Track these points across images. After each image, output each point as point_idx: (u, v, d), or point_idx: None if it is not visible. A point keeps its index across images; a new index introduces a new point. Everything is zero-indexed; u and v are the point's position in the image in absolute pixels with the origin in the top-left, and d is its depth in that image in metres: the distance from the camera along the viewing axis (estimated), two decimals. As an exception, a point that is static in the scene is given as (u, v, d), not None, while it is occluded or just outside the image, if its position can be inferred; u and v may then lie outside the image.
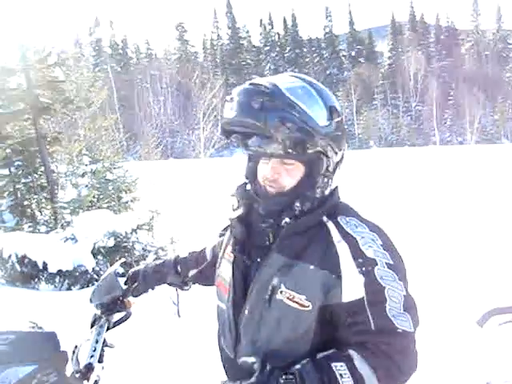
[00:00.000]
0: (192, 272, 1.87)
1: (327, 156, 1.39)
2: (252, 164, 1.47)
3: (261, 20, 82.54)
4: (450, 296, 5.55)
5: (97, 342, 1.67)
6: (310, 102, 1.36)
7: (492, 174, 21.02)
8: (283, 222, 1.37)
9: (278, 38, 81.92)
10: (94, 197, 8.13)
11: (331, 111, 1.39)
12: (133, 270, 1.92)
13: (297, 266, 1.33)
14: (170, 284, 1.93)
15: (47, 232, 7.56)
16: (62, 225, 7.55)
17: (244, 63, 77.34)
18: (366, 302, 1.26)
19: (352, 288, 1.28)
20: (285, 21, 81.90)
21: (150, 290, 1.92)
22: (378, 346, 1.24)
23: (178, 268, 1.88)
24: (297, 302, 1.31)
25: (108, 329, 1.78)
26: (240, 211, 1.45)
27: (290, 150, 1.32)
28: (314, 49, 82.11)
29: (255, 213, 1.43)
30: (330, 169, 1.42)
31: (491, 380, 1.78)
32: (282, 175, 1.38)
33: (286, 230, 1.37)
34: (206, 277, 1.84)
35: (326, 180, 1.42)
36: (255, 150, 1.35)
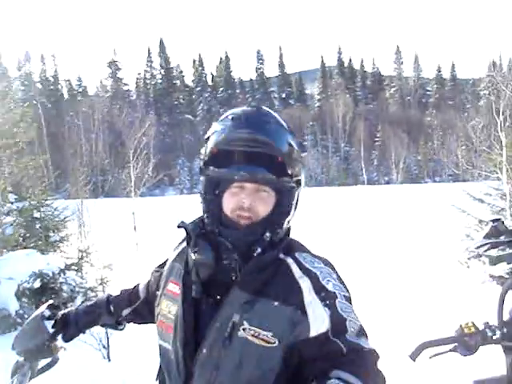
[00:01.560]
0: (125, 311, 1.79)
1: (299, 185, 1.43)
2: (212, 197, 1.42)
3: (194, 60, 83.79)
4: (380, 330, 5.65)
5: (18, 392, 1.57)
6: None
7: (417, 212, 21.92)
8: (256, 253, 1.35)
9: (212, 78, 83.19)
10: (19, 236, 7.78)
11: (302, 145, 1.45)
12: (62, 312, 1.81)
13: (260, 303, 1.31)
14: (103, 325, 1.84)
15: (-34, 274, 7.12)
16: (-18, 266, 7.14)
17: (176, 102, 77.76)
18: (330, 334, 1.26)
19: (318, 322, 1.28)
20: (221, 61, 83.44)
21: (81, 333, 1.82)
22: (355, 363, 1.24)
23: (111, 308, 1.79)
24: (262, 339, 1.28)
25: (32, 377, 1.66)
26: (207, 252, 1.37)
27: (289, 173, 1.36)
28: (246, 90, 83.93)
29: (222, 248, 1.37)
30: (297, 200, 1.45)
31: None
32: (256, 203, 1.36)
33: (248, 266, 1.34)
34: (140, 315, 1.79)
35: (294, 211, 1.45)
36: (247, 174, 1.33)
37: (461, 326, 1.96)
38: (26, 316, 6.46)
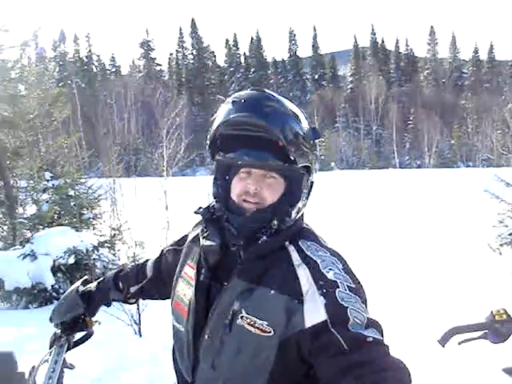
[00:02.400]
0: (133, 289, 1.83)
1: (311, 172, 1.40)
2: (222, 182, 1.41)
3: (226, 40, 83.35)
4: (410, 315, 5.63)
5: (56, 362, 1.60)
6: (303, 116, 1.39)
7: (449, 197, 21.57)
8: (260, 240, 1.33)
9: (245, 59, 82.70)
10: (54, 213, 7.96)
11: (315, 132, 1.40)
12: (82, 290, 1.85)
13: (257, 291, 1.29)
14: (113, 300, 1.88)
15: (5, 248, 7.35)
16: (20, 241, 7.35)
17: (208, 83, 77.67)
18: (329, 324, 1.19)
19: (313, 311, 1.22)
20: (252, 41, 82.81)
21: (100, 307, 1.86)
22: (366, 374, 1.11)
23: (120, 285, 1.83)
24: (258, 328, 1.26)
25: (68, 349, 1.71)
26: (215, 238, 1.38)
27: (292, 158, 1.31)
28: (279, 70, 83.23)
29: (227, 234, 1.37)
30: (309, 187, 1.42)
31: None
32: (263, 189, 1.34)
33: (248, 253, 1.33)
34: (147, 293, 1.85)
35: (306, 200, 1.42)
36: (250, 159, 1.32)
37: (492, 312, 1.94)
38: (61, 290, 6.65)
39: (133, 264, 1.94)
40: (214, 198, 1.43)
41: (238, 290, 1.31)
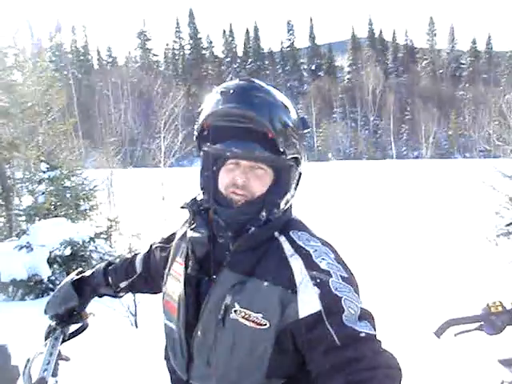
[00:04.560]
0: (123, 284, 1.81)
1: (299, 163, 1.38)
2: (209, 173, 1.37)
3: (223, 31, 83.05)
4: (406, 306, 5.65)
5: (51, 354, 1.58)
6: (292, 106, 1.37)
7: (446, 188, 21.61)
8: (250, 231, 1.31)
9: (244, 49, 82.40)
10: (51, 204, 7.93)
11: (303, 121, 1.39)
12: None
13: (250, 283, 1.27)
14: (102, 295, 1.87)
15: (1, 240, 7.33)
16: (17, 233, 7.33)
17: (205, 73, 77.40)
18: (323, 315, 1.18)
19: (308, 301, 1.21)
20: (247, 32, 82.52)
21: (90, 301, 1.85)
22: (357, 371, 1.12)
23: (109, 280, 1.81)
24: (253, 321, 1.24)
25: (63, 341, 1.70)
26: (202, 230, 1.35)
27: (281, 150, 1.29)
28: (277, 60, 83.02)
29: (214, 226, 1.35)
30: (298, 178, 1.40)
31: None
32: (251, 181, 1.32)
33: (237, 245, 1.30)
34: (138, 288, 1.84)
35: (294, 191, 1.40)
36: (239, 150, 1.28)
37: (488, 304, 1.94)
38: (57, 282, 6.64)
39: (122, 257, 1.92)
40: (201, 189, 1.40)
41: (229, 283, 1.29)
